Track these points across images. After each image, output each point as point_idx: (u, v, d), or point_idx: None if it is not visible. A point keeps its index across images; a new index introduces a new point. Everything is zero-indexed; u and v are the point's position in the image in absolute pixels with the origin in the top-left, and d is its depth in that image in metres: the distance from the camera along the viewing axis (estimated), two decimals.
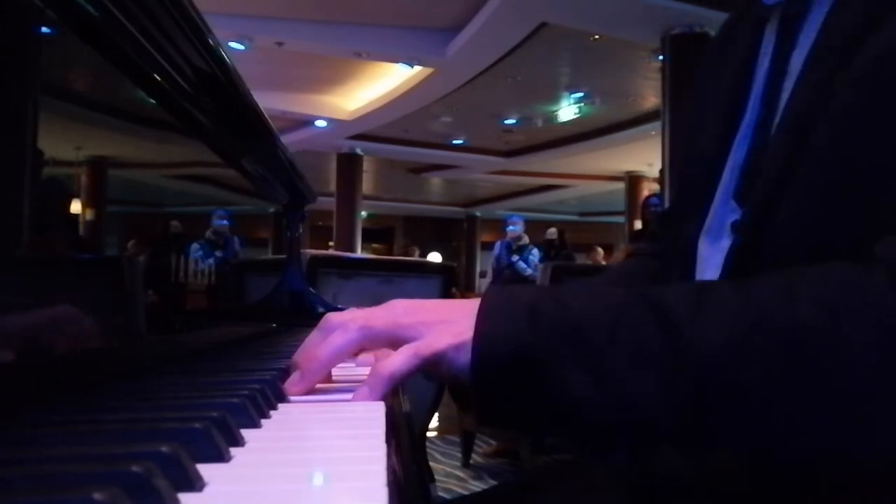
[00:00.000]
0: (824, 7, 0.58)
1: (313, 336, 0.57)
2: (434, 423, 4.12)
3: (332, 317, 0.56)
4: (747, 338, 0.43)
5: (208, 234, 0.95)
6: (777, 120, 0.59)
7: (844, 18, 0.55)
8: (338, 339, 0.54)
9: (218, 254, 0.96)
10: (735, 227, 0.61)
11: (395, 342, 0.54)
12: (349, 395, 0.53)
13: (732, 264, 0.60)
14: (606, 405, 0.46)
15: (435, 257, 13.91)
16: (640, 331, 0.46)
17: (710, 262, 0.65)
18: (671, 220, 0.80)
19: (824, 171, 0.53)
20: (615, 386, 0.46)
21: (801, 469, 0.48)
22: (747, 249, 0.59)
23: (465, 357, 0.49)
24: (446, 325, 0.52)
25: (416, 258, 8.97)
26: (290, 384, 0.55)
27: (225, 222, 1.01)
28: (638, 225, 12.31)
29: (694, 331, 0.45)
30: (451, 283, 2.94)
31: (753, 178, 0.60)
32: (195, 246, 0.89)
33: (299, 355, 0.57)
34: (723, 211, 0.65)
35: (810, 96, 0.55)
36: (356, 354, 0.57)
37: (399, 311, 0.55)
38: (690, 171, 0.75)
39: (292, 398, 0.54)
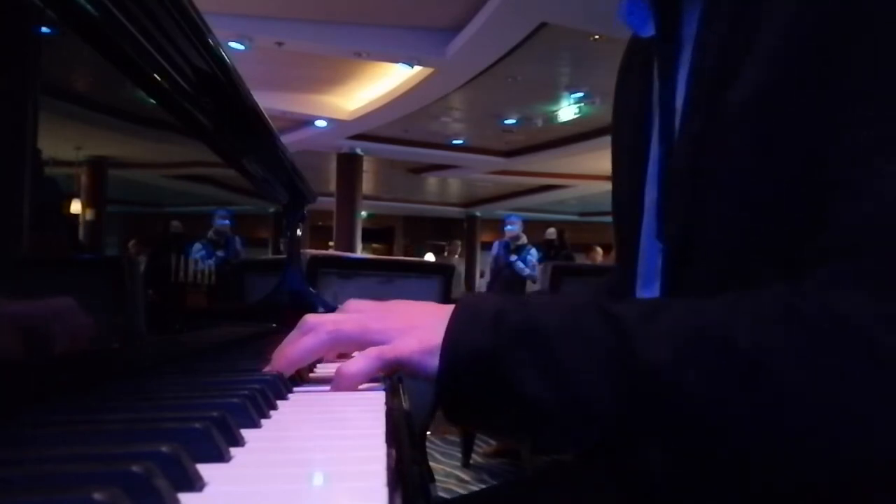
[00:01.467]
0: (689, 45, 0.59)
1: (292, 335, 0.59)
2: (434, 423, 4.11)
3: (310, 318, 0.59)
4: (689, 351, 0.46)
5: (210, 234, 0.95)
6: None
7: (705, 60, 0.56)
8: (308, 342, 0.57)
9: (220, 254, 0.96)
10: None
11: (365, 346, 0.56)
12: (348, 394, 0.54)
13: None
14: (558, 404, 0.48)
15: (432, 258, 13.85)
16: (592, 335, 0.48)
17: None
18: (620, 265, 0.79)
19: (725, 205, 0.54)
20: (565, 387, 0.48)
21: (732, 474, 0.50)
22: (680, 289, 0.59)
23: (432, 362, 0.52)
24: (416, 330, 0.54)
25: (415, 258, 8.93)
26: None
27: (227, 222, 1.01)
28: None
29: (642, 339, 0.47)
30: (450, 283, 2.94)
31: (669, 219, 0.61)
32: (197, 246, 0.89)
33: (275, 353, 0.60)
34: (650, 253, 0.65)
35: (694, 136, 0.56)
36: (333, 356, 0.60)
37: (371, 316, 0.57)
38: (615, 215, 0.75)
39: (291, 396, 0.54)
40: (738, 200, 0.54)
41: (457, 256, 9.53)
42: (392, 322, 0.56)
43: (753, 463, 0.46)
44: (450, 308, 0.53)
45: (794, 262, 0.49)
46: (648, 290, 0.66)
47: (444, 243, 20.08)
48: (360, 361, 0.54)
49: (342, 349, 0.60)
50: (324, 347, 0.57)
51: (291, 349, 0.57)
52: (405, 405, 0.56)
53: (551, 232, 7.73)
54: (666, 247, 0.61)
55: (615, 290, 0.80)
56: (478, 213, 19.71)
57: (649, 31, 0.64)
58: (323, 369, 0.73)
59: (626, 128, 0.72)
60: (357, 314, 0.58)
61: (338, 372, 0.55)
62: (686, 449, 0.49)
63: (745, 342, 0.44)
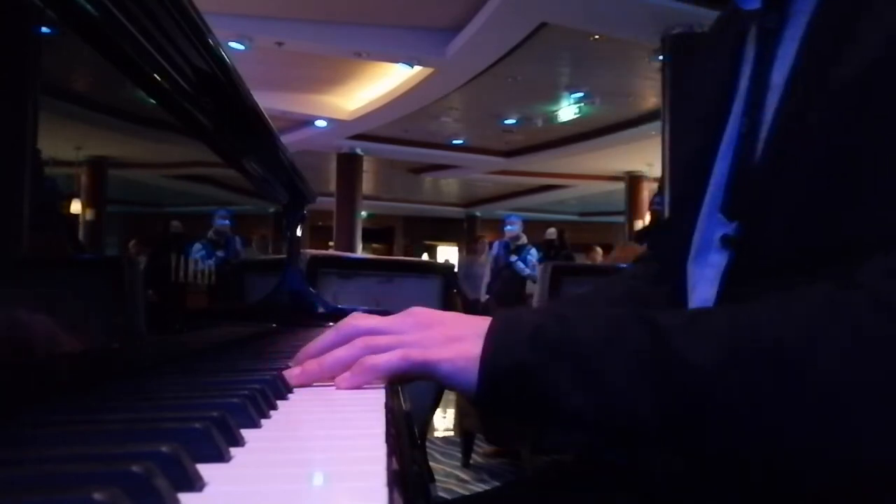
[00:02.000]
0: (801, 22, 0.58)
1: (328, 335, 0.59)
2: (434, 423, 4.12)
3: (351, 321, 0.59)
4: (731, 355, 0.46)
5: (210, 234, 0.95)
6: (764, 135, 0.59)
7: (822, 37, 0.55)
8: (342, 353, 0.57)
9: (220, 254, 0.96)
10: (727, 241, 0.61)
11: None
12: (348, 394, 0.54)
13: (728, 279, 0.60)
14: (598, 416, 0.49)
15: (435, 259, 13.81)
16: (632, 345, 0.48)
17: (699, 276, 0.65)
18: (663, 237, 0.79)
19: (813, 184, 0.53)
20: (606, 399, 0.48)
21: (778, 479, 0.50)
22: (743, 264, 0.59)
23: (468, 377, 0.52)
24: (451, 341, 0.54)
25: (415, 258, 8.76)
26: (287, 376, 0.58)
27: (227, 222, 1.01)
28: (638, 225, 12.33)
29: (683, 343, 0.47)
30: (451, 283, 2.94)
31: (741, 192, 0.60)
32: (198, 246, 0.89)
33: (307, 350, 0.60)
34: (710, 225, 0.64)
35: (796, 113, 0.56)
36: None
37: (407, 325, 0.57)
38: (677, 184, 0.75)
39: (291, 396, 0.54)
40: (807, 189, 0.53)
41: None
42: (430, 334, 0.56)
43: (798, 466, 0.46)
44: (488, 321, 0.53)
45: (852, 257, 0.48)
46: (701, 261, 0.65)
47: (436, 243, 20.05)
48: (385, 356, 0.54)
49: None
50: (355, 360, 0.57)
51: (326, 359, 0.57)
52: (405, 405, 0.56)
53: (551, 232, 7.73)
54: (729, 221, 0.61)
55: (657, 278, 0.80)
56: (478, 213, 19.70)
57: (754, 3, 0.64)
58: None
59: (701, 101, 0.71)
60: (397, 324, 0.58)
61: (360, 361, 0.55)
62: (726, 455, 0.49)
63: (791, 346, 0.44)
